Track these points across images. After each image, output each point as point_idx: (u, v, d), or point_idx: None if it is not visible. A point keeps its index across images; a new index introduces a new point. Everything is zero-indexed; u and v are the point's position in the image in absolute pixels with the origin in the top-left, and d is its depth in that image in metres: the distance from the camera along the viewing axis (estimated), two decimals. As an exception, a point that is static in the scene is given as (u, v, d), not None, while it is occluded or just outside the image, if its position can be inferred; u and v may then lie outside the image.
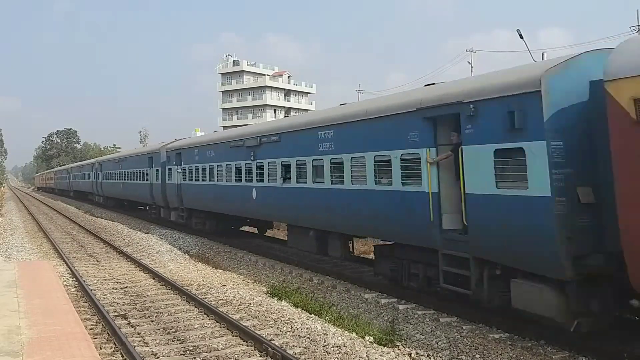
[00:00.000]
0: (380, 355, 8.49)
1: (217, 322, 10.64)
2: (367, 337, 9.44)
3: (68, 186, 72.41)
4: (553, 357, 8.62)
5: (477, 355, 8.79)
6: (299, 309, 11.52)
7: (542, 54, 18.91)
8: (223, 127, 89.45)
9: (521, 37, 21.93)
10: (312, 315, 11.07)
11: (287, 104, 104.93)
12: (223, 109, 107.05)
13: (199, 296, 12.60)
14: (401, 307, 11.84)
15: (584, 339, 8.72)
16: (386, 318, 11.01)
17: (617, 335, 9.25)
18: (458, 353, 8.92)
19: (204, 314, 11.27)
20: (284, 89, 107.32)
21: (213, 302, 12.14)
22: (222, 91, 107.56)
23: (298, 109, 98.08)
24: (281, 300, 12.33)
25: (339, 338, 9.28)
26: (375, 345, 9.12)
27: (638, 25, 38.98)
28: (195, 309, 11.73)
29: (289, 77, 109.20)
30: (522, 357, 8.66)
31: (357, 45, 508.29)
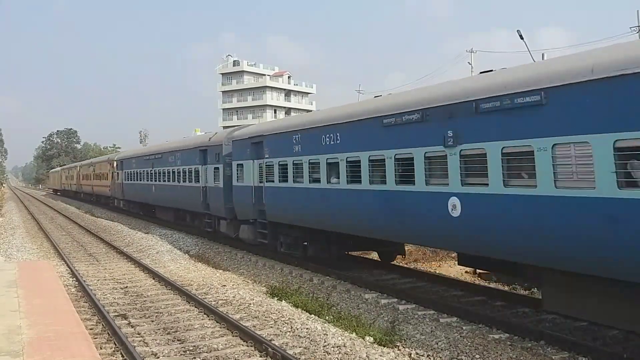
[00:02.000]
0: (380, 356, 8.50)
1: (217, 322, 10.65)
2: (367, 338, 9.44)
3: (163, 199, 29.62)
4: (553, 357, 8.61)
5: (477, 356, 8.79)
6: (299, 309, 11.53)
7: (542, 55, 18.93)
8: (223, 127, 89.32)
9: (521, 37, 21.93)
10: (312, 315, 11.08)
11: (287, 104, 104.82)
12: (223, 109, 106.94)
13: (199, 296, 12.62)
14: (401, 307, 11.86)
15: (584, 340, 8.73)
16: (386, 318, 11.01)
17: (616, 335, 9.27)
18: (458, 353, 8.93)
19: (204, 314, 11.28)
20: (284, 89, 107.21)
21: (213, 302, 12.15)
22: (223, 91, 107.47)
23: (298, 109, 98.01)
24: (281, 301, 12.33)
25: (339, 338, 9.29)
26: (375, 345, 9.13)
27: (638, 26, 38.99)
28: (195, 309, 11.75)
29: (289, 77, 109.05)
30: (522, 358, 8.66)
31: (358, 45, 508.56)
